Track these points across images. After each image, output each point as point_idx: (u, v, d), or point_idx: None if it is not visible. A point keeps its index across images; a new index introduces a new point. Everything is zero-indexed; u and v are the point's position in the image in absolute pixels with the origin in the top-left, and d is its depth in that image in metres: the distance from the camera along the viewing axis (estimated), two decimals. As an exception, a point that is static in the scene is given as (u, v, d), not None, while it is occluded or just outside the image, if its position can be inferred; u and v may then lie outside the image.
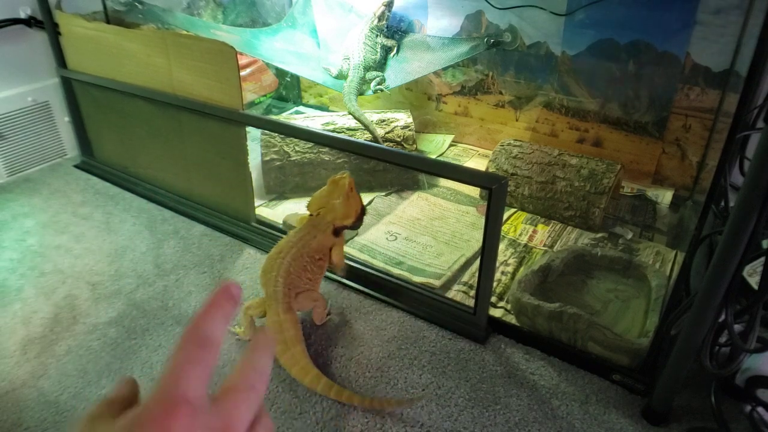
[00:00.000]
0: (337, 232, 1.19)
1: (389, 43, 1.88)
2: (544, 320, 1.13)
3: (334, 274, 1.33)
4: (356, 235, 1.53)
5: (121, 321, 1.23)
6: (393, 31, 1.92)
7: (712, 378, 1.00)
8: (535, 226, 1.58)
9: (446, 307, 1.22)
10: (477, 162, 1.96)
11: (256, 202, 1.58)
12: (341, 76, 1.84)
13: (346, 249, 1.46)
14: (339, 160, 1.71)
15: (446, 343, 1.16)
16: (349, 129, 1.71)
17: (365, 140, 1.67)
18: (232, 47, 1.33)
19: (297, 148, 1.68)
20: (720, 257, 0.78)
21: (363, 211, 1.23)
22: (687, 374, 0.92)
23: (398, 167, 1.73)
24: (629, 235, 1.51)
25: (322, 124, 1.72)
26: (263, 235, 1.50)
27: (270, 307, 1.12)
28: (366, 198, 1.71)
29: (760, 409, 0.97)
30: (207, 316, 0.31)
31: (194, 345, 0.30)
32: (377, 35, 1.86)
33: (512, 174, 1.62)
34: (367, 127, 1.69)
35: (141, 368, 1.10)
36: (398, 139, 1.73)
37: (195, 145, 1.56)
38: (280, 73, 2.29)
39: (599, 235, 1.51)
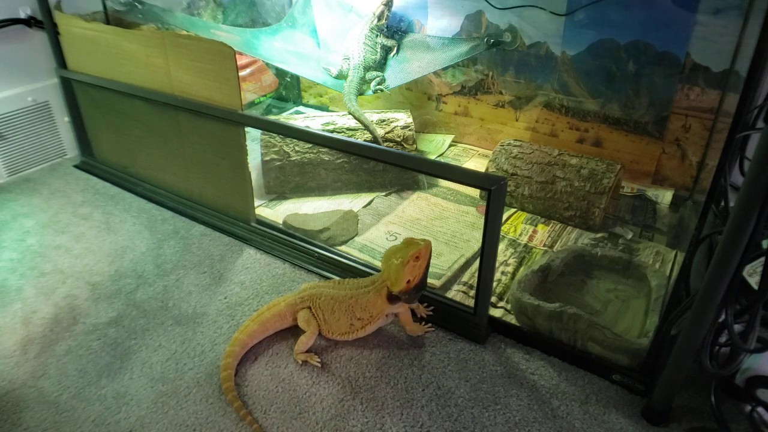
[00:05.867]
0: (391, 298, 1.08)
1: (389, 43, 1.88)
2: (544, 320, 1.13)
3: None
4: (356, 234, 1.53)
5: (121, 321, 1.23)
6: (393, 31, 1.92)
7: (712, 378, 1.00)
8: (535, 226, 1.58)
9: (446, 307, 1.22)
10: (477, 162, 1.96)
11: (256, 202, 1.58)
12: (341, 76, 1.84)
13: (348, 249, 1.46)
14: (339, 160, 1.71)
15: (446, 343, 1.16)
16: (349, 129, 1.71)
17: (365, 140, 1.67)
18: (230, 48, 1.33)
19: (297, 148, 1.68)
20: (720, 257, 0.78)
21: (419, 287, 1.08)
22: (687, 374, 0.92)
23: (398, 167, 1.73)
24: (629, 235, 1.51)
25: (322, 124, 1.72)
26: (263, 236, 1.50)
27: (284, 299, 1.15)
28: (366, 198, 1.71)
29: (760, 409, 0.97)
30: None
31: None
32: (377, 35, 1.86)
33: (512, 174, 1.62)
34: (367, 127, 1.69)
35: (141, 368, 1.10)
36: (398, 139, 1.73)
37: (194, 145, 1.56)
38: (280, 73, 2.29)
39: (599, 235, 1.51)
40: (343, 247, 1.47)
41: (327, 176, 1.73)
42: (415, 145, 1.76)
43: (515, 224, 1.58)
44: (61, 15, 1.70)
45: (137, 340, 1.18)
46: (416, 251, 1.03)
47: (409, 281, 1.05)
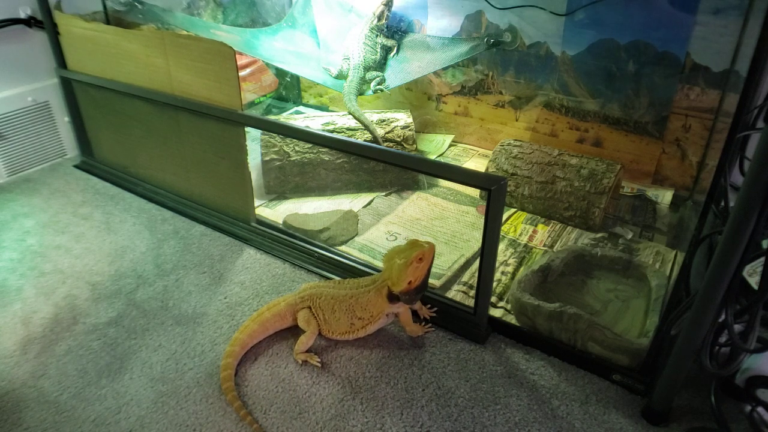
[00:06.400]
0: (392, 297, 1.08)
1: (389, 43, 1.88)
2: (544, 320, 1.13)
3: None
4: (356, 234, 1.53)
5: (121, 321, 1.23)
6: (393, 31, 1.92)
7: (712, 378, 1.00)
8: (535, 226, 1.58)
9: (446, 307, 1.22)
10: (477, 162, 1.96)
11: (256, 202, 1.58)
12: (341, 76, 1.84)
13: (348, 249, 1.46)
14: (339, 160, 1.71)
15: (446, 343, 1.16)
16: (349, 129, 1.71)
17: (365, 140, 1.67)
18: (230, 48, 1.33)
19: (297, 148, 1.68)
20: (720, 257, 0.78)
21: (420, 288, 1.08)
22: (687, 374, 0.92)
23: (398, 167, 1.73)
24: (629, 235, 1.51)
25: (322, 124, 1.72)
26: (263, 236, 1.50)
27: (284, 299, 1.15)
28: (366, 198, 1.71)
29: (760, 409, 0.97)
30: None
31: None
32: (377, 35, 1.86)
33: (512, 174, 1.62)
34: (367, 127, 1.69)
35: (141, 368, 1.10)
36: (398, 139, 1.73)
37: (194, 145, 1.56)
38: (280, 73, 2.29)
39: (599, 235, 1.51)
40: (343, 247, 1.47)
41: (327, 176, 1.73)
42: (415, 145, 1.76)
43: (515, 224, 1.58)
44: (61, 15, 1.70)
45: (137, 340, 1.18)
46: (420, 253, 1.04)
47: (410, 282, 1.05)
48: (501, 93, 1.93)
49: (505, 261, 1.42)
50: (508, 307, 1.25)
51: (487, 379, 1.07)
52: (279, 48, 1.93)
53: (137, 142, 1.73)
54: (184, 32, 1.70)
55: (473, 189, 1.74)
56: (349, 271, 1.35)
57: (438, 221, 1.60)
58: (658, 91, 1.62)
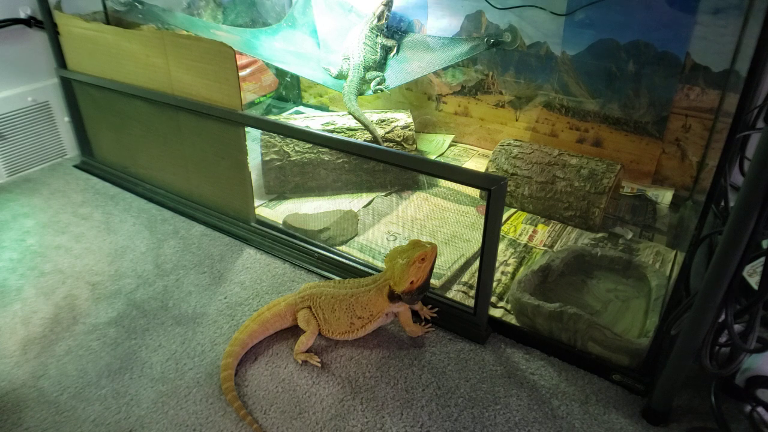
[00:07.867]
0: (392, 296, 1.09)
1: (389, 43, 1.88)
2: (544, 320, 1.13)
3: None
4: (356, 234, 1.53)
5: (121, 321, 1.23)
6: (393, 31, 1.92)
7: (712, 378, 1.00)
8: (535, 226, 1.58)
9: (446, 307, 1.22)
10: (477, 162, 1.96)
11: (256, 202, 1.58)
12: (341, 76, 1.84)
13: (348, 249, 1.46)
14: (339, 160, 1.71)
15: (446, 343, 1.16)
16: (349, 129, 1.71)
17: (365, 140, 1.67)
18: (230, 48, 1.33)
19: (297, 148, 1.68)
20: (720, 257, 0.78)
21: (422, 289, 1.08)
22: (687, 374, 0.92)
23: (398, 167, 1.73)
24: (629, 235, 1.51)
25: (322, 124, 1.72)
26: (263, 236, 1.50)
27: (284, 299, 1.15)
28: (366, 198, 1.71)
29: (760, 409, 0.97)
30: None
31: None
32: (377, 35, 1.86)
33: (512, 174, 1.62)
34: (367, 127, 1.69)
35: (141, 368, 1.10)
36: (398, 139, 1.73)
37: (194, 145, 1.56)
38: (280, 73, 2.29)
39: (599, 235, 1.51)
40: (343, 247, 1.47)
41: (327, 176, 1.73)
42: (415, 145, 1.76)
43: (515, 224, 1.58)
44: (61, 15, 1.70)
45: (137, 340, 1.18)
46: (422, 253, 1.04)
47: (412, 282, 1.06)
48: (501, 93, 1.93)
49: (505, 261, 1.42)
50: (508, 307, 1.25)
51: (487, 379, 1.07)
52: (279, 48, 1.93)
53: (137, 142, 1.73)
54: (184, 32, 1.70)
55: (473, 189, 1.74)
56: (349, 271, 1.35)
57: (438, 221, 1.60)
58: (658, 91, 1.62)
